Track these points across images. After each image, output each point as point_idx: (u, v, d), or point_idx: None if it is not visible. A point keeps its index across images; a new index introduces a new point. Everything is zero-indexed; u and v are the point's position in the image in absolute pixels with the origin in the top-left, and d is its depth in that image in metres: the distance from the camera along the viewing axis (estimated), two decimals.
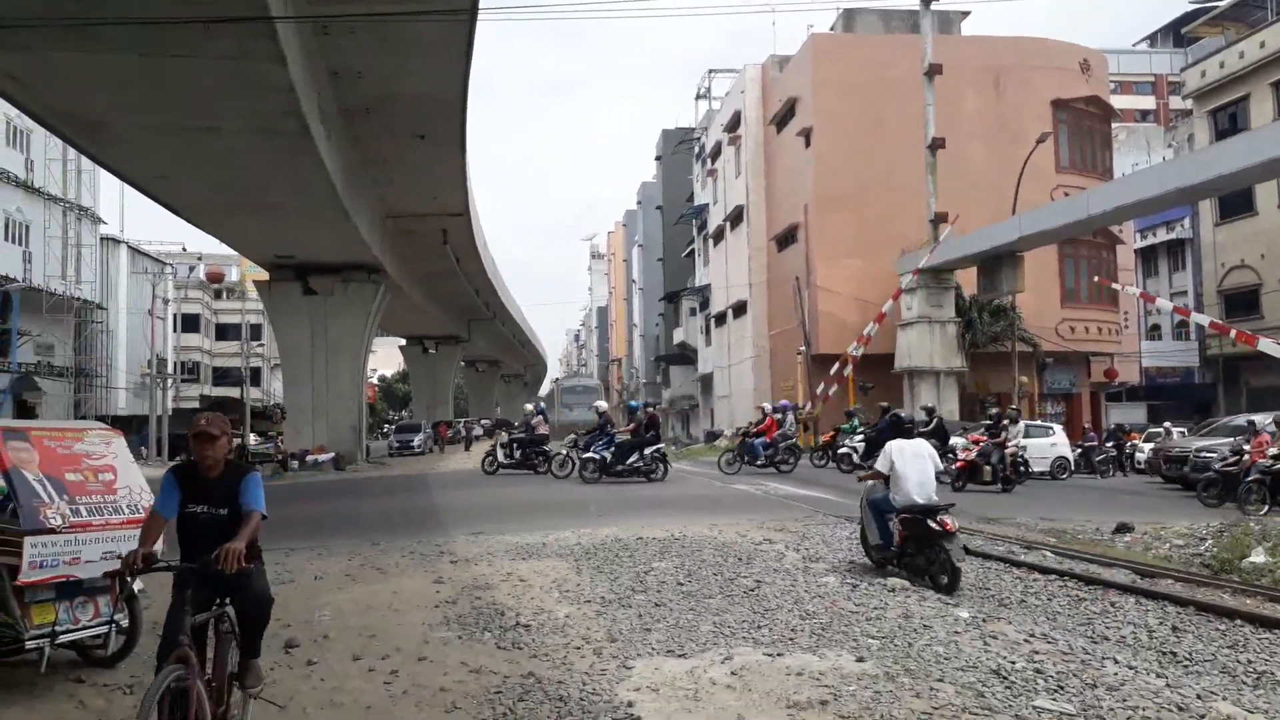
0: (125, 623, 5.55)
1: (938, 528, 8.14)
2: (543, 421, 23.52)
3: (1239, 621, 6.85)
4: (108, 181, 37.55)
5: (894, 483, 8.62)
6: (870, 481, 9.20)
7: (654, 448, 19.61)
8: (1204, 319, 18.60)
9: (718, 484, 18.92)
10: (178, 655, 3.69)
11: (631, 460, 19.17)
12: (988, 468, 17.64)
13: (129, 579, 4.54)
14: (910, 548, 8.46)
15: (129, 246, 48.12)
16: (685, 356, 56.67)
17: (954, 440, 20.14)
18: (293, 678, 5.49)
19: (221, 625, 4.19)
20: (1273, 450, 15.02)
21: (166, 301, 50.76)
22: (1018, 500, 16.36)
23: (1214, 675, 5.61)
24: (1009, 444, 18.29)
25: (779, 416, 22.29)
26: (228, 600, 4.17)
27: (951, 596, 7.78)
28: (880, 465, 8.88)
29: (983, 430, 18.81)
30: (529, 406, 26.20)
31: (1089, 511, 14.47)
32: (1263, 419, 16.35)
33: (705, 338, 50.34)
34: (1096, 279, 23.21)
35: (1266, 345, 16.74)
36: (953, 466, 18.00)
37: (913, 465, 8.60)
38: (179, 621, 3.83)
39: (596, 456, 19.28)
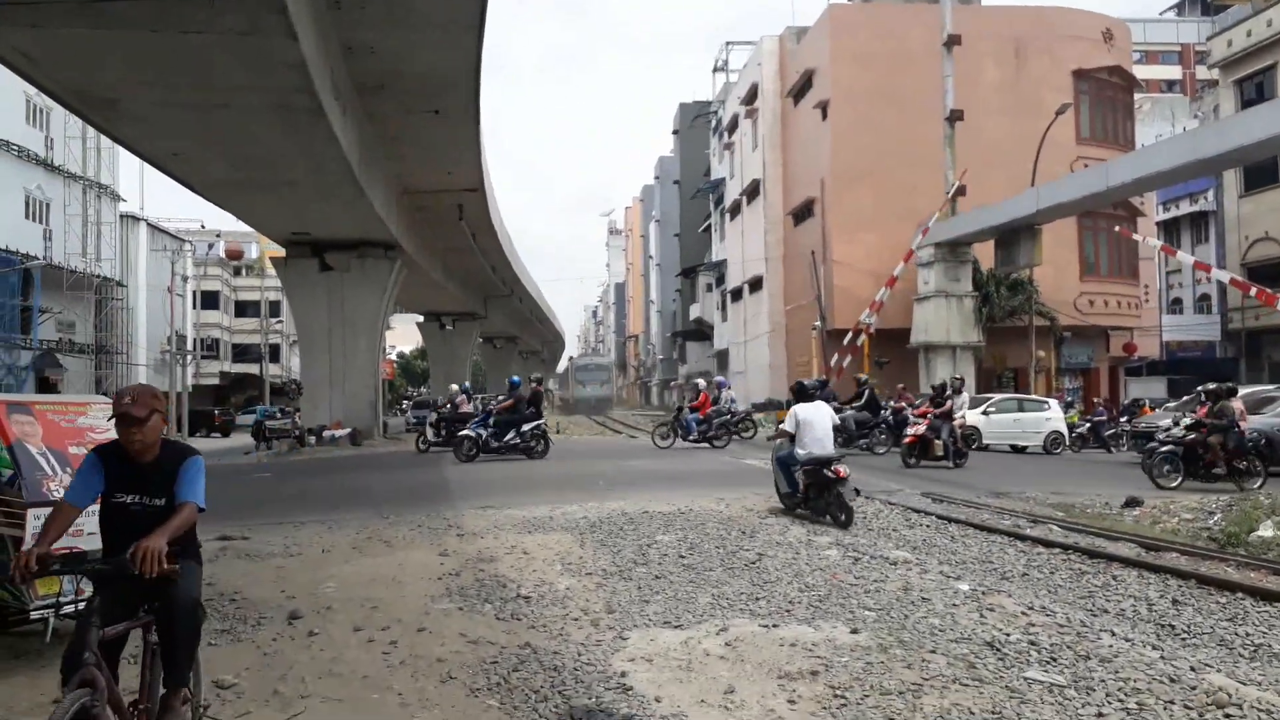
0: None
1: (831, 475, 9.95)
2: (465, 400, 23.59)
3: (1240, 595, 6.79)
4: (127, 159, 37.87)
5: (798, 440, 10.38)
6: (779, 440, 11.05)
7: (533, 424, 19.23)
8: (1224, 275, 18.25)
9: (726, 458, 18.97)
10: (82, 678, 3.03)
11: (509, 438, 18.87)
12: (938, 442, 17.07)
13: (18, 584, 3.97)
14: (812, 493, 10.23)
15: (148, 224, 48.51)
16: (702, 332, 56.67)
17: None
18: (294, 648, 5.59)
19: (150, 637, 3.56)
20: (1186, 421, 14.80)
21: (186, 279, 51.20)
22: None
23: (1211, 648, 5.59)
24: (955, 415, 17.58)
25: (714, 393, 22.21)
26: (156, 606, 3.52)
27: (847, 532, 9.45)
28: (787, 426, 10.65)
29: (928, 403, 18.09)
30: (454, 386, 26.22)
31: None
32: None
33: (721, 313, 50.27)
34: (1117, 229, 22.41)
35: None
36: (903, 442, 17.64)
37: (821, 422, 10.47)
38: (84, 636, 3.17)
39: (471, 434, 18.90)
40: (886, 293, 28.68)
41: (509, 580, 7.24)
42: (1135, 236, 21.68)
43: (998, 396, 24.90)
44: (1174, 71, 57.21)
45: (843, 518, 9.80)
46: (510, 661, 5.22)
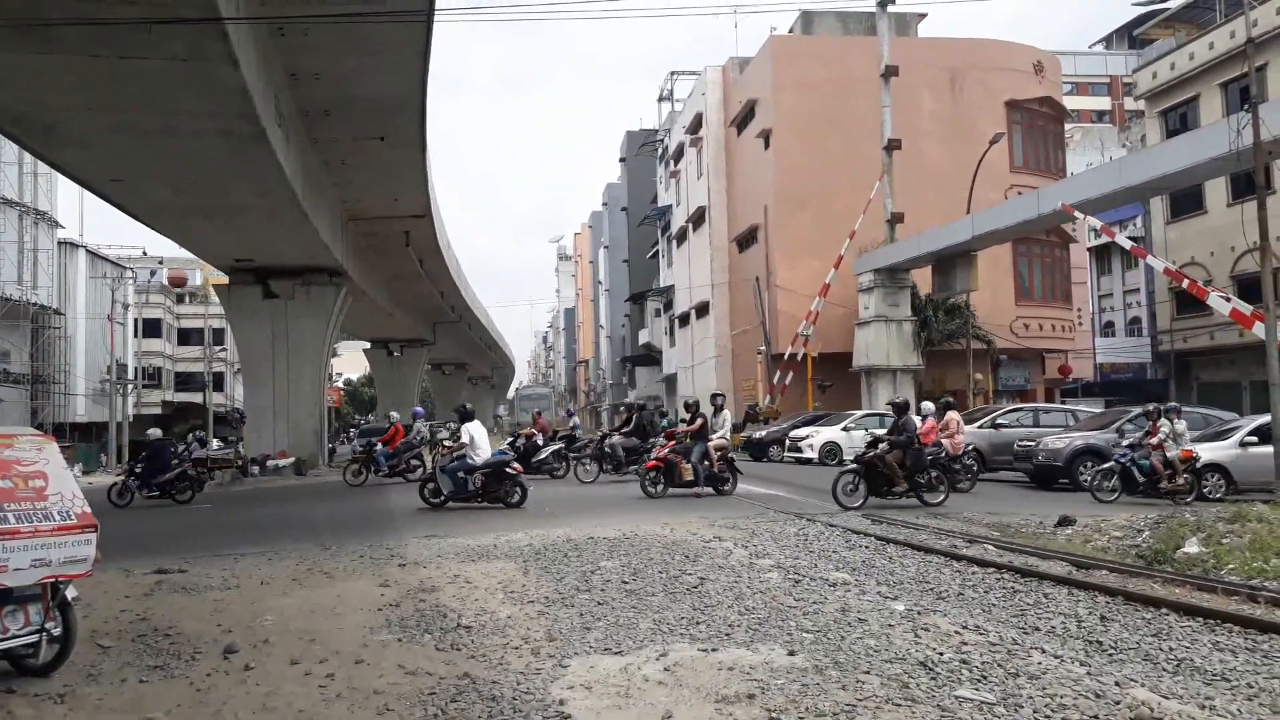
0: (58, 631, 5.54)
1: (512, 472, 14.51)
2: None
3: (1165, 610, 6.98)
4: (66, 185, 37.15)
5: (472, 451, 14.39)
6: (446, 456, 15.42)
7: None
8: (1159, 263, 18.48)
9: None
10: None
11: None
12: (687, 465, 15.27)
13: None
14: (492, 485, 14.37)
15: (88, 250, 47.53)
16: (650, 357, 56.82)
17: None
18: (228, 683, 5.50)
19: None
20: (868, 438, 14.83)
21: (126, 306, 50.14)
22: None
23: (1136, 663, 5.73)
24: (713, 436, 15.72)
25: (407, 424, 22.01)
26: None
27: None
28: (464, 439, 14.52)
29: (682, 423, 16.55)
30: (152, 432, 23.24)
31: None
32: (927, 406, 16.11)
33: (669, 338, 50.51)
34: (1061, 205, 22.03)
35: (1214, 299, 16.81)
36: (639, 468, 16.47)
37: (484, 438, 14.65)
38: None
39: None
40: (821, 302, 29.19)
41: (450, 610, 7.20)
42: (1076, 214, 20.76)
43: (857, 413, 25.53)
44: (1103, 102, 59.20)
45: (516, 499, 14.39)
46: (449, 692, 5.19)
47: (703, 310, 42.96)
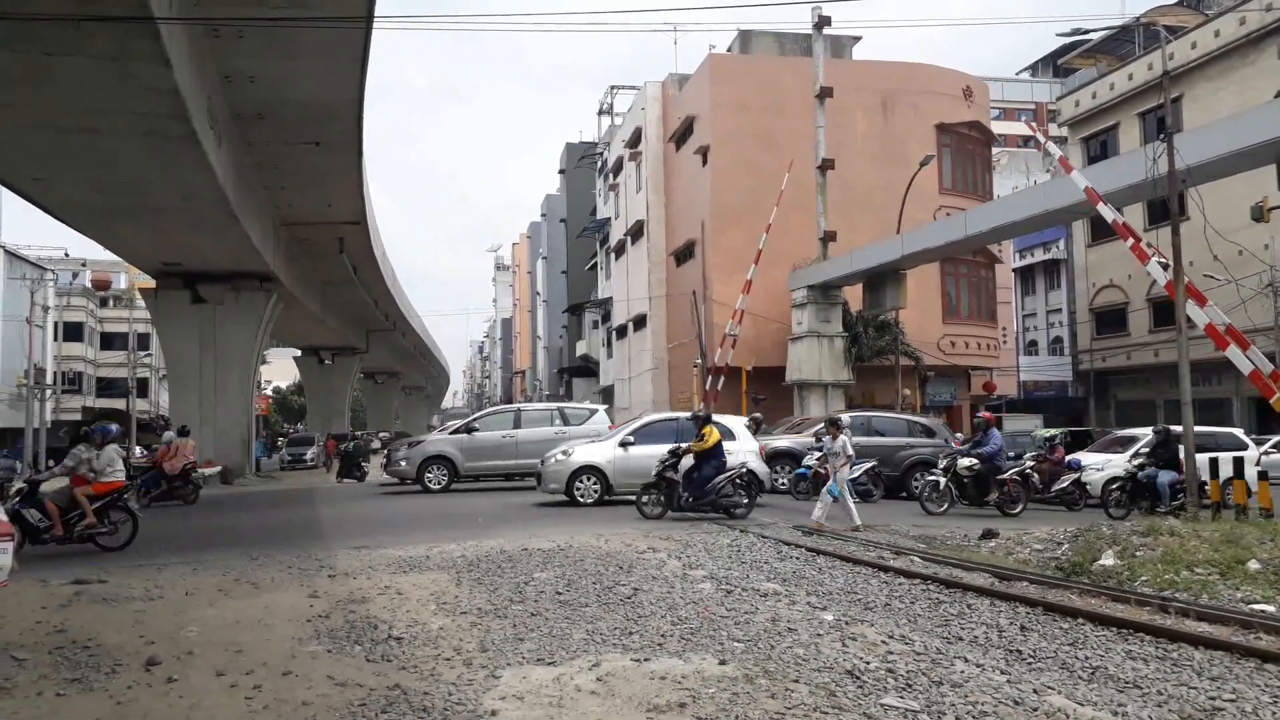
0: None
1: None
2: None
3: (1081, 620, 7.22)
4: None
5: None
6: None
7: None
8: (1110, 212, 17.74)
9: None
10: None
11: None
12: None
13: None
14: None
15: (6, 251, 45.93)
16: (588, 368, 56.84)
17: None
18: (150, 696, 5.37)
19: None
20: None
21: (47, 309, 48.57)
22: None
23: (1054, 671, 5.90)
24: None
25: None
26: None
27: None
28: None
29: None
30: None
31: None
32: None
33: (607, 350, 50.60)
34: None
35: (1153, 266, 17.12)
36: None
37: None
38: None
39: None
40: (744, 299, 29.46)
41: (381, 621, 7.13)
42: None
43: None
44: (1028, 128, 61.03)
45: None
46: (379, 703, 5.15)
47: (640, 322, 43.12)
